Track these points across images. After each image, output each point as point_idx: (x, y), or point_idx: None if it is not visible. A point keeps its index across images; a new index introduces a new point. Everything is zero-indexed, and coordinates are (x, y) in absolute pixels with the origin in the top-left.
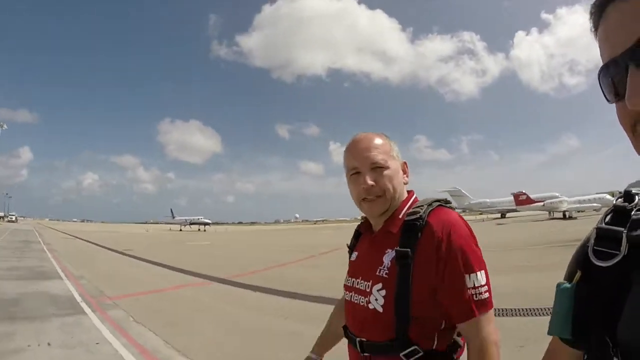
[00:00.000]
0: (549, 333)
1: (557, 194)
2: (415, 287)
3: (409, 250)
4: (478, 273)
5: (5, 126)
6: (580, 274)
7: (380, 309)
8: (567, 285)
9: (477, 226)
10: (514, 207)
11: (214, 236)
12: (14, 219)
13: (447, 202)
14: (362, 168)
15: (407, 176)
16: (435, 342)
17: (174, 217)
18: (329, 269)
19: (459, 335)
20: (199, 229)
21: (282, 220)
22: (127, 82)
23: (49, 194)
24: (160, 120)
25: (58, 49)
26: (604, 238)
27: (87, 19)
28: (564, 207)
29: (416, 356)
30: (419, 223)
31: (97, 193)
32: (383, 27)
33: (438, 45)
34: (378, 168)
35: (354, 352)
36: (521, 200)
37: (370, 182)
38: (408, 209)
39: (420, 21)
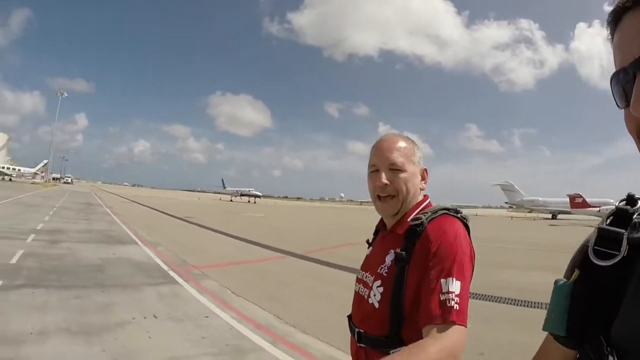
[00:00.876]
0: (544, 329)
1: (611, 200)
2: (408, 289)
3: (404, 253)
4: (455, 280)
5: (65, 94)
6: (579, 273)
7: (377, 305)
8: (565, 283)
9: (529, 225)
10: (567, 209)
11: (265, 209)
12: (69, 180)
13: (456, 211)
14: (380, 166)
15: (425, 182)
16: None
17: (225, 187)
18: None
19: None
20: (248, 201)
21: (327, 198)
22: (179, 54)
23: (102, 158)
24: (212, 93)
25: (115, 22)
26: (604, 238)
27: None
28: None
29: None
30: (418, 228)
31: (147, 160)
32: (437, 9)
33: (494, 31)
34: (395, 170)
35: (353, 342)
36: (577, 202)
37: (384, 180)
38: (418, 213)
39: (477, 5)
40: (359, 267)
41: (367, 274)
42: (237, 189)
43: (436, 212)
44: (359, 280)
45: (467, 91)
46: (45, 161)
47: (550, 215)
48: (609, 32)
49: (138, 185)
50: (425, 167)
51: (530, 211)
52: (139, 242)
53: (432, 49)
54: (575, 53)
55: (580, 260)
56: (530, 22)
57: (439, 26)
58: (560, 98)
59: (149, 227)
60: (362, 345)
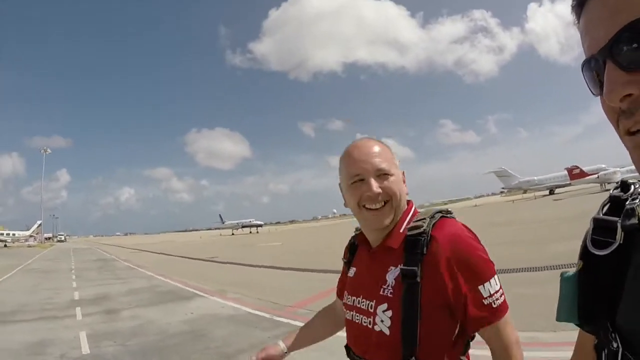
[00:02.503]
0: (557, 319)
1: (603, 165)
2: (424, 307)
3: (415, 268)
4: (491, 280)
5: (49, 150)
6: (582, 263)
7: (387, 331)
8: (570, 273)
9: (534, 204)
10: (563, 183)
11: (273, 236)
12: (63, 238)
13: (448, 212)
14: (366, 174)
15: (405, 186)
16: None
17: (223, 222)
18: None
19: (463, 353)
20: (250, 232)
21: (319, 217)
22: (149, 99)
23: (89, 211)
24: (187, 131)
25: (83, 75)
26: (600, 228)
27: (101, 46)
28: (618, 177)
29: None
30: (422, 238)
31: (134, 206)
32: (392, 15)
33: (450, 27)
34: (384, 175)
35: None
36: (575, 174)
37: (377, 189)
38: (409, 222)
39: (429, 4)
40: None
41: (360, 298)
42: (238, 221)
43: (433, 216)
44: (349, 307)
45: (435, 89)
46: (39, 222)
47: (547, 192)
48: (574, 16)
49: (130, 234)
50: (403, 170)
51: (525, 192)
52: (201, 293)
53: (393, 55)
54: (532, 33)
55: (581, 250)
56: (482, 12)
57: (396, 31)
58: (526, 78)
59: (188, 275)
60: None
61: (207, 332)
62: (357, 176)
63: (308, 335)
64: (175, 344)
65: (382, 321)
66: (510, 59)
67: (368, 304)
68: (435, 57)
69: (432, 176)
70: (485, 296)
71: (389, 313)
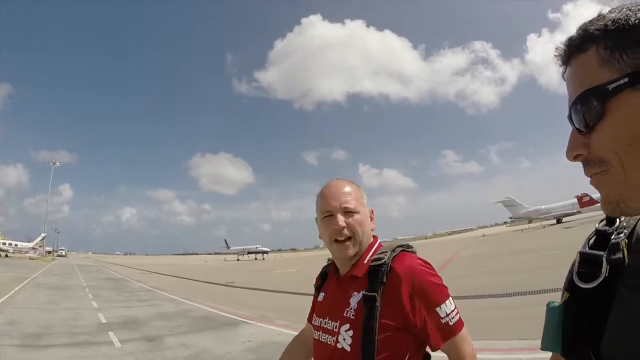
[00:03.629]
0: (542, 348)
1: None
2: (381, 327)
3: (375, 294)
4: (446, 302)
5: (57, 163)
6: (568, 295)
7: (348, 348)
8: (556, 304)
9: (546, 233)
10: (571, 211)
11: (281, 263)
12: (64, 253)
13: (409, 246)
14: (334, 211)
15: (373, 222)
16: None
17: (228, 247)
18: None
19: None
20: (255, 258)
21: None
22: (156, 121)
23: (90, 228)
24: (192, 155)
25: (93, 94)
26: (586, 261)
27: (112, 66)
28: None
29: None
30: (383, 268)
31: (135, 226)
32: (395, 47)
33: (451, 59)
34: (349, 212)
35: None
36: (584, 202)
37: (342, 223)
38: (373, 254)
39: (430, 37)
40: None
41: (326, 320)
42: (243, 247)
43: (394, 250)
44: (317, 328)
45: (437, 120)
46: (43, 235)
47: (555, 221)
48: (561, 68)
49: (130, 254)
50: (372, 209)
51: (530, 221)
52: (244, 319)
53: (396, 86)
54: (532, 64)
55: (567, 282)
56: (483, 43)
57: (399, 63)
58: (527, 109)
59: (215, 299)
60: None
61: None
62: (327, 212)
63: None
64: None
65: (344, 339)
66: (511, 89)
67: (333, 325)
68: (438, 88)
69: (435, 206)
70: (442, 316)
71: (351, 332)
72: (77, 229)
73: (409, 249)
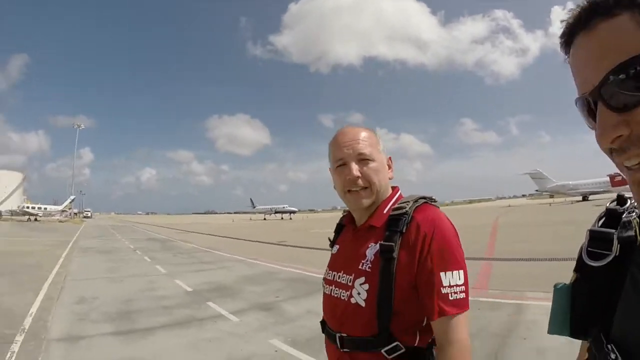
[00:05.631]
0: (549, 332)
1: None
2: (398, 282)
3: (393, 244)
4: (455, 272)
5: (82, 126)
6: (576, 275)
7: (363, 303)
8: (564, 285)
9: (574, 208)
10: (602, 189)
11: (312, 223)
12: (89, 214)
13: (432, 200)
14: (348, 159)
15: (391, 171)
16: (418, 339)
17: (254, 207)
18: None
19: None
20: (281, 217)
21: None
22: (172, 84)
23: (111, 190)
24: (209, 117)
25: (108, 57)
26: (596, 239)
27: (128, 31)
28: None
29: (398, 352)
30: (404, 218)
31: (155, 187)
32: (413, 11)
33: (471, 26)
34: (364, 160)
35: (332, 347)
36: (617, 181)
37: (356, 173)
38: (393, 204)
39: (450, 3)
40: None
41: (340, 273)
42: (271, 206)
43: (417, 201)
44: (329, 282)
45: (455, 87)
46: (72, 197)
47: (580, 198)
48: (563, 53)
49: (151, 213)
50: (389, 156)
51: (552, 196)
52: None
53: (413, 51)
54: (555, 37)
55: (577, 262)
56: (504, 12)
57: (416, 28)
58: (549, 83)
59: (284, 259)
60: (346, 350)
61: None
62: (340, 160)
63: None
64: None
65: (358, 294)
66: (533, 61)
67: (347, 278)
68: (456, 55)
69: (452, 174)
70: (444, 284)
71: (366, 286)
72: (99, 190)
73: (433, 202)
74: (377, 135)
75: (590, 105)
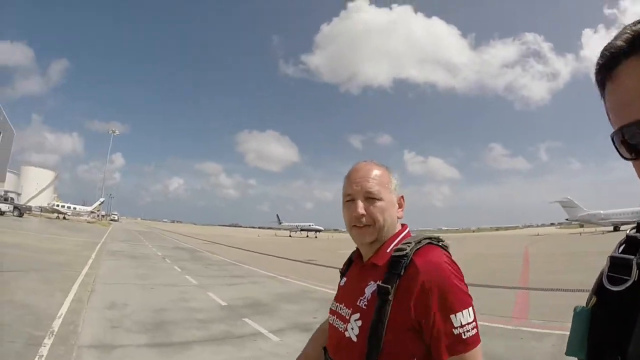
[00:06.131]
0: (567, 354)
1: None
2: (390, 323)
3: (389, 287)
4: (464, 311)
5: (117, 132)
6: (596, 299)
7: (355, 339)
8: (583, 308)
9: (607, 238)
10: (631, 220)
11: (337, 244)
12: (116, 218)
13: (439, 240)
14: (356, 196)
15: (402, 210)
16: None
17: (280, 223)
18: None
19: None
20: (307, 235)
21: None
22: (205, 96)
23: (139, 195)
24: (239, 131)
25: (146, 66)
26: (616, 265)
27: (167, 45)
28: None
29: None
30: (403, 260)
31: (182, 196)
32: (442, 34)
33: (501, 50)
34: (371, 198)
35: None
36: None
37: (361, 210)
38: (397, 243)
39: (480, 26)
40: None
41: (342, 305)
42: (297, 224)
43: (420, 242)
44: (332, 312)
45: (484, 112)
46: (101, 199)
47: (612, 228)
48: (599, 88)
49: (177, 221)
50: (402, 195)
51: (582, 226)
52: None
53: (443, 75)
54: (586, 61)
55: (596, 286)
56: (535, 35)
57: (446, 51)
58: (580, 108)
59: (315, 278)
60: None
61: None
62: (349, 196)
63: (309, 354)
64: None
65: (352, 329)
66: (564, 86)
67: (346, 312)
68: (486, 79)
69: (479, 199)
70: (455, 326)
71: (359, 323)
72: (127, 195)
73: (439, 243)
74: (390, 174)
75: (632, 136)
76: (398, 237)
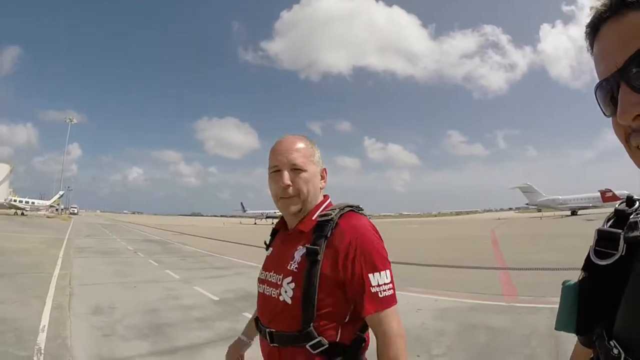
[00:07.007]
0: (556, 328)
1: (625, 192)
2: (322, 282)
3: (318, 247)
4: (382, 272)
5: (74, 120)
6: (584, 274)
7: (289, 301)
8: (571, 283)
9: (567, 222)
10: (592, 204)
11: None
12: (76, 211)
13: (359, 208)
14: (282, 167)
15: (324, 182)
16: (338, 335)
17: (245, 211)
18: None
19: (362, 331)
20: (272, 223)
21: None
22: (162, 84)
23: (97, 187)
24: (198, 119)
25: (101, 54)
26: (603, 239)
27: (123, 31)
28: None
29: (321, 348)
30: (329, 224)
31: (142, 186)
32: (403, 24)
33: (460, 41)
34: (296, 170)
35: (264, 343)
36: (608, 197)
37: (287, 181)
38: (322, 211)
39: (441, 17)
40: None
41: (271, 273)
42: (262, 211)
43: (343, 209)
44: (262, 282)
45: (443, 100)
46: (61, 192)
47: (569, 213)
48: (588, 43)
49: (138, 213)
50: (324, 167)
51: (539, 210)
52: None
53: (403, 64)
54: (543, 54)
55: (585, 261)
56: (494, 27)
57: (406, 40)
58: (536, 99)
59: None
60: (275, 345)
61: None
62: (275, 167)
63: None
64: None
65: (285, 292)
66: (521, 77)
67: (277, 278)
68: (445, 69)
69: (438, 185)
70: (373, 284)
71: (292, 285)
72: (85, 187)
73: (360, 211)
74: (314, 146)
75: (613, 93)
76: (322, 205)
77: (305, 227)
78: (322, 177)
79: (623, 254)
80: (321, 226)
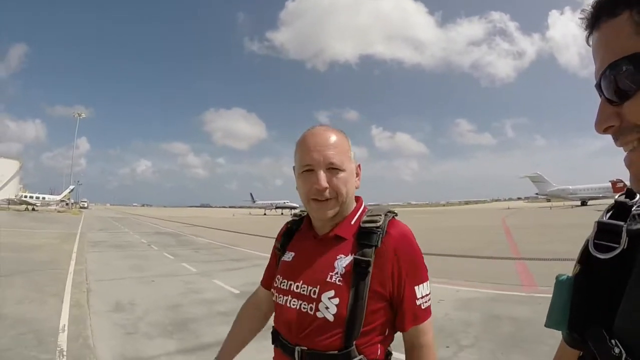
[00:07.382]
0: (546, 325)
1: None
2: (370, 296)
3: (370, 259)
4: (424, 284)
5: (83, 115)
6: (580, 267)
7: (331, 318)
8: (566, 277)
9: (577, 212)
10: (602, 194)
11: None
12: (86, 205)
13: (394, 212)
14: (316, 166)
15: (359, 179)
16: (380, 351)
17: (254, 202)
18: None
19: (389, 345)
20: (282, 213)
21: None
22: (169, 76)
23: (106, 180)
24: (205, 110)
25: (105, 49)
26: (604, 231)
27: (129, 24)
28: None
29: None
30: (378, 232)
31: (150, 178)
32: (409, 11)
33: (467, 28)
34: (333, 169)
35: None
36: (619, 187)
37: (324, 184)
38: (361, 215)
39: (447, 4)
40: None
41: (299, 283)
42: (271, 202)
43: (387, 214)
44: (284, 292)
45: (450, 88)
46: (71, 187)
47: (579, 203)
48: (586, 40)
49: (147, 205)
50: (359, 163)
51: (548, 200)
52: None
53: (409, 52)
54: (552, 41)
55: (582, 254)
56: (501, 14)
57: (413, 28)
58: (545, 86)
59: None
60: None
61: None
62: (307, 166)
63: (237, 341)
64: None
65: (327, 308)
66: (529, 65)
67: (310, 290)
68: (453, 57)
69: (447, 174)
70: (418, 297)
71: (336, 300)
72: (94, 181)
73: (396, 215)
74: (348, 139)
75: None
76: (358, 210)
77: (346, 234)
78: (357, 175)
79: (625, 247)
80: (368, 234)
